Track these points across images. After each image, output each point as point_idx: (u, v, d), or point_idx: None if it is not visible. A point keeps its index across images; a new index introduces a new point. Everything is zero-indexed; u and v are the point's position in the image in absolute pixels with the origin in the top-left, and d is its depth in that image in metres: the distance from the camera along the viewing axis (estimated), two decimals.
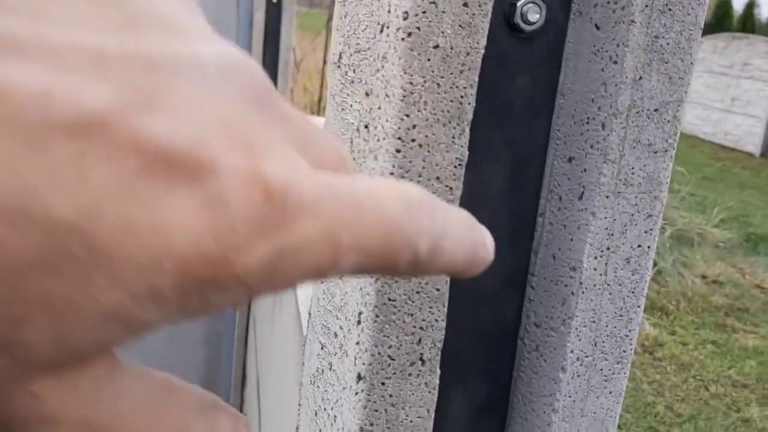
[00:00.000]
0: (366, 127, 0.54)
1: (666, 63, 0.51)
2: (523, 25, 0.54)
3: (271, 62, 3.54)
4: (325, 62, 8.62)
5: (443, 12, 0.47)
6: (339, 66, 0.62)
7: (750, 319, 6.02)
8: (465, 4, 0.47)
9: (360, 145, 0.55)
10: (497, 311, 0.61)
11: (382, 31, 0.51)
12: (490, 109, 0.55)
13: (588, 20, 0.54)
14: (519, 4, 0.54)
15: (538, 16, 0.54)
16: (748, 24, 20.57)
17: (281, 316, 2.08)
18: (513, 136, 0.57)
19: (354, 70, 0.58)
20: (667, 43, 0.51)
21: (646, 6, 0.50)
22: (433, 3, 0.47)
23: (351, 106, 0.58)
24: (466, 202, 0.55)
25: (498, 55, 0.54)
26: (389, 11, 0.49)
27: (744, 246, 7.59)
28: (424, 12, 0.47)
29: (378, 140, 0.51)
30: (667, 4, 0.50)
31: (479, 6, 0.48)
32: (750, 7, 22.11)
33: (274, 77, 3.53)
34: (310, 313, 0.70)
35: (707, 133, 14.42)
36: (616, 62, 0.52)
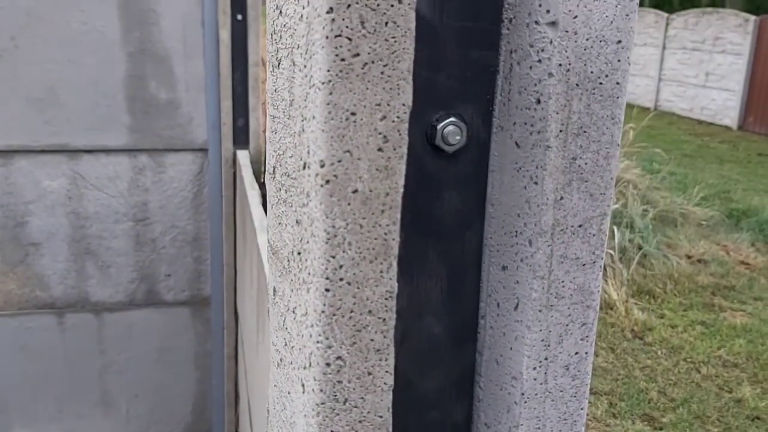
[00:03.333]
0: (299, 254, 0.55)
1: (586, 182, 0.52)
2: (445, 147, 0.55)
3: (240, 79, 3.54)
4: None
5: (359, 159, 0.48)
6: (273, 177, 0.63)
7: (737, 296, 6.09)
8: (380, 149, 0.48)
9: (294, 270, 0.56)
10: (447, 414, 0.62)
11: (304, 168, 0.52)
12: (421, 228, 0.56)
13: (509, 136, 0.55)
14: (439, 127, 0.54)
15: (459, 137, 0.55)
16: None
17: (265, 343, 2.09)
18: (446, 249, 0.57)
19: (286, 191, 0.58)
20: (585, 163, 0.52)
21: (561, 131, 0.51)
22: (348, 152, 0.48)
23: (285, 226, 0.59)
24: (406, 314, 0.56)
25: (423, 175, 0.55)
26: (308, 152, 0.50)
27: (726, 222, 7.65)
28: (339, 161, 0.48)
29: (309, 273, 0.52)
30: (581, 127, 0.51)
31: (394, 149, 0.49)
32: None
33: (244, 94, 3.53)
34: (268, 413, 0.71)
35: (684, 109, 14.51)
36: (536, 183, 0.53)
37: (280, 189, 0.60)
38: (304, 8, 0.49)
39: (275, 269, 0.62)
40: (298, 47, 0.51)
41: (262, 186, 3.44)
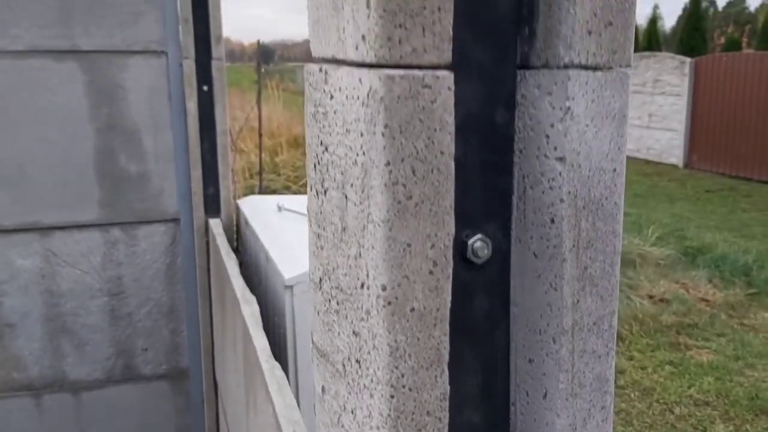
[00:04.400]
0: (357, 362, 0.63)
1: (596, 286, 0.63)
2: (474, 259, 0.65)
3: (209, 148, 3.60)
4: (260, 122, 8.69)
5: (414, 282, 0.57)
6: (320, 288, 0.72)
7: (700, 334, 6.24)
8: (430, 272, 0.58)
9: (351, 375, 0.64)
10: None
11: (362, 287, 0.61)
12: (458, 330, 0.65)
13: (527, 248, 0.65)
14: (469, 243, 0.64)
15: (486, 251, 0.64)
16: (653, 40, 21.46)
17: (256, 420, 2.10)
18: (479, 347, 0.67)
19: (338, 303, 0.67)
20: (595, 271, 0.63)
21: (573, 246, 0.61)
22: (406, 277, 0.57)
23: (339, 334, 0.67)
24: (452, 409, 0.65)
25: (458, 284, 0.65)
26: (367, 275, 0.59)
27: (683, 261, 7.87)
28: (399, 285, 0.57)
29: (371, 380, 0.61)
30: (590, 241, 0.62)
31: (442, 271, 0.58)
32: (653, 23, 23.06)
33: (213, 163, 3.58)
34: None
35: (631, 149, 15.00)
36: (555, 289, 0.63)
37: (330, 300, 0.69)
38: (358, 155, 0.59)
39: (324, 370, 0.70)
40: (352, 186, 0.60)
41: (237, 253, 3.48)
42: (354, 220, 0.60)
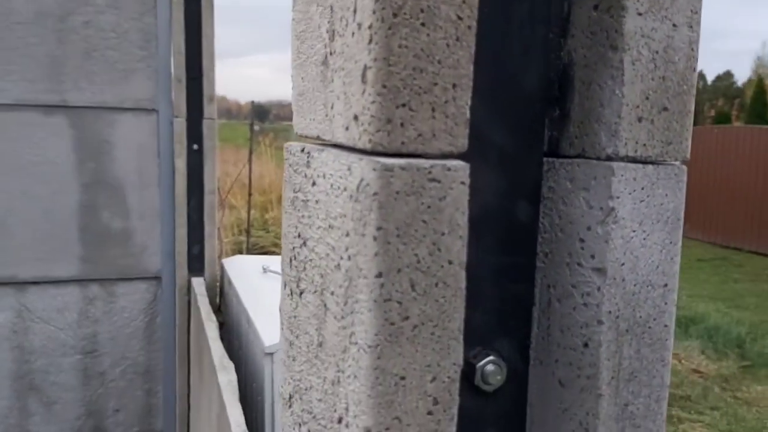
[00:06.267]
0: None
1: (638, 427, 0.50)
2: (484, 386, 0.52)
3: (196, 207, 3.52)
4: (250, 181, 8.62)
5: (408, 425, 0.45)
6: (290, 406, 0.59)
7: (693, 407, 6.07)
8: (429, 413, 0.45)
9: None
10: None
11: (340, 422, 0.48)
12: None
13: (550, 373, 0.53)
14: (478, 366, 0.52)
15: (499, 377, 0.52)
16: None
17: None
18: None
19: (308, 431, 0.54)
20: (637, 409, 0.50)
21: (612, 378, 0.49)
22: (397, 418, 0.44)
23: None
24: None
25: (462, 416, 0.52)
26: (347, 410, 0.46)
27: (675, 330, 7.76)
28: (387, 429, 0.44)
29: None
30: (632, 372, 0.50)
31: (444, 411, 0.46)
32: None
33: (200, 222, 3.49)
34: None
35: None
36: (587, 430, 0.50)
37: (300, 425, 0.56)
38: (342, 259, 0.47)
39: None
40: (333, 293, 0.48)
41: (219, 312, 3.35)
42: (334, 337, 0.48)
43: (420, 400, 0.45)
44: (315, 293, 0.52)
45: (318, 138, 0.53)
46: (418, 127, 0.44)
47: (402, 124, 0.44)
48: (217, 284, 3.63)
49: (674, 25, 0.52)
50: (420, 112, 0.44)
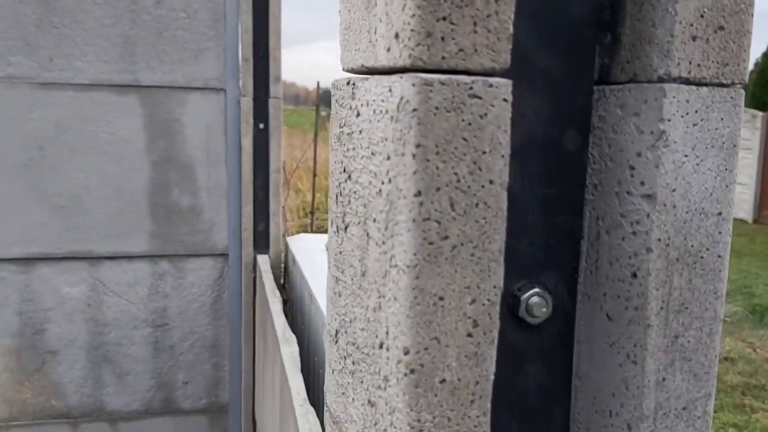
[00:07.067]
0: None
1: (689, 361, 0.48)
2: (529, 319, 0.51)
3: (261, 185, 3.57)
4: (315, 163, 8.70)
5: (447, 346, 0.44)
6: (336, 342, 0.59)
7: (767, 396, 5.87)
8: (469, 335, 0.44)
9: None
10: None
11: (381, 347, 0.48)
12: (503, 406, 0.51)
13: (598, 307, 0.51)
14: (523, 297, 0.51)
15: (544, 309, 0.51)
16: None
17: None
18: (531, 428, 0.53)
19: (353, 363, 0.54)
20: (688, 341, 0.48)
21: (662, 308, 0.47)
22: (435, 339, 0.44)
23: (353, 400, 0.54)
24: None
25: (505, 348, 0.51)
26: (387, 333, 0.46)
27: (751, 319, 7.48)
28: (426, 348, 0.44)
29: None
30: (683, 303, 0.47)
31: (484, 334, 0.45)
32: None
33: (265, 200, 3.54)
34: None
35: None
36: (635, 362, 0.48)
37: (345, 358, 0.56)
38: (383, 183, 0.46)
39: None
40: (375, 220, 0.48)
41: (283, 290, 3.40)
42: (375, 264, 0.47)
43: (459, 322, 0.44)
44: (359, 224, 0.52)
45: (362, 66, 0.52)
46: (459, 41, 0.43)
47: (443, 38, 0.43)
48: (282, 262, 3.68)
49: None
50: (461, 26, 0.43)
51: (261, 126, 3.51)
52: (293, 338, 2.38)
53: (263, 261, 3.46)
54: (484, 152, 0.44)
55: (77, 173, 3.21)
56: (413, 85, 0.42)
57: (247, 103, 3.35)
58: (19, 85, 3.12)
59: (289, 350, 2.30)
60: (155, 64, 3.21)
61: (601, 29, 0.52)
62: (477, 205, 0.43)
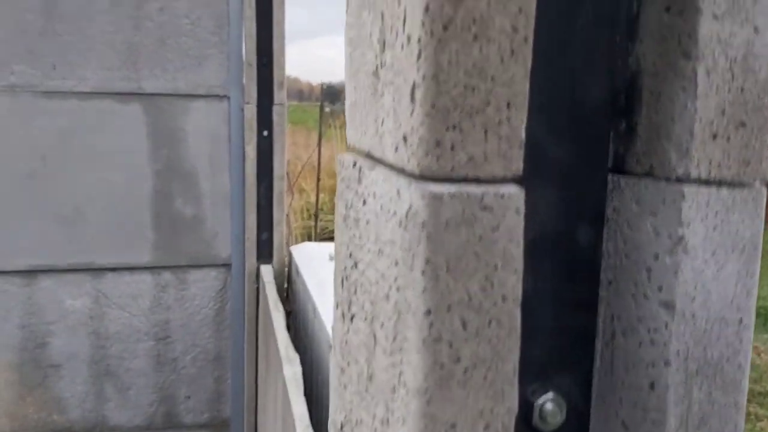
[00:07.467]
0: None
1: None
2: (542, 427, 0.49)
3: (265, 193, 3.53)
4: (318, 164, 8.68)
5: None
6: None
7: None
8: None
9: None
10: None
11: None
12: None
13: (613, 414, 0.49)
14: (537, 404, 0.48)
15: (559, 417, 0.48)
16: None
17: None
18: None
19: None
20: None
21: (680, 424, 0.45)
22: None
23: None
24: None
25: None
26: None
27: (755, 322, 7.45)
28: None
29: None
30: (702, 418, 0.45)
31: None
32: None
33: (269, 208, 3.51)
34: None
35: None
36: None
37: None
38: (391, 289, 0.44)
39: None
40: (382, 326, 0.45)
41: (287, 301, 3.37)
42: (383, 373, 0.45)
43: None
44: (365, 321, 0.49)
45: (369, 153, 0.50)
46: (469, 150, 0.41)
47: (452, 148, 0.41)
48: (285, 270, 3.65)
49: (756, 29, 0.46)
50: (471, 135, 0.41)
51: (265, 133, 3.47)
52: (296, 357, 2.36)
53: (266, 271, 3.43)
54: (496, 267, 0.41)
55: (80, 183, 3.19)
56: (422, 197, 0.40)
57: (251, 111, 3.32)
58: (22, 93, 3.09)
59: (292, 371, 2.27)
60: (158, 72, 3.19)
61: (616, 116, 0.50)
62: (490, 323, 0.41)
